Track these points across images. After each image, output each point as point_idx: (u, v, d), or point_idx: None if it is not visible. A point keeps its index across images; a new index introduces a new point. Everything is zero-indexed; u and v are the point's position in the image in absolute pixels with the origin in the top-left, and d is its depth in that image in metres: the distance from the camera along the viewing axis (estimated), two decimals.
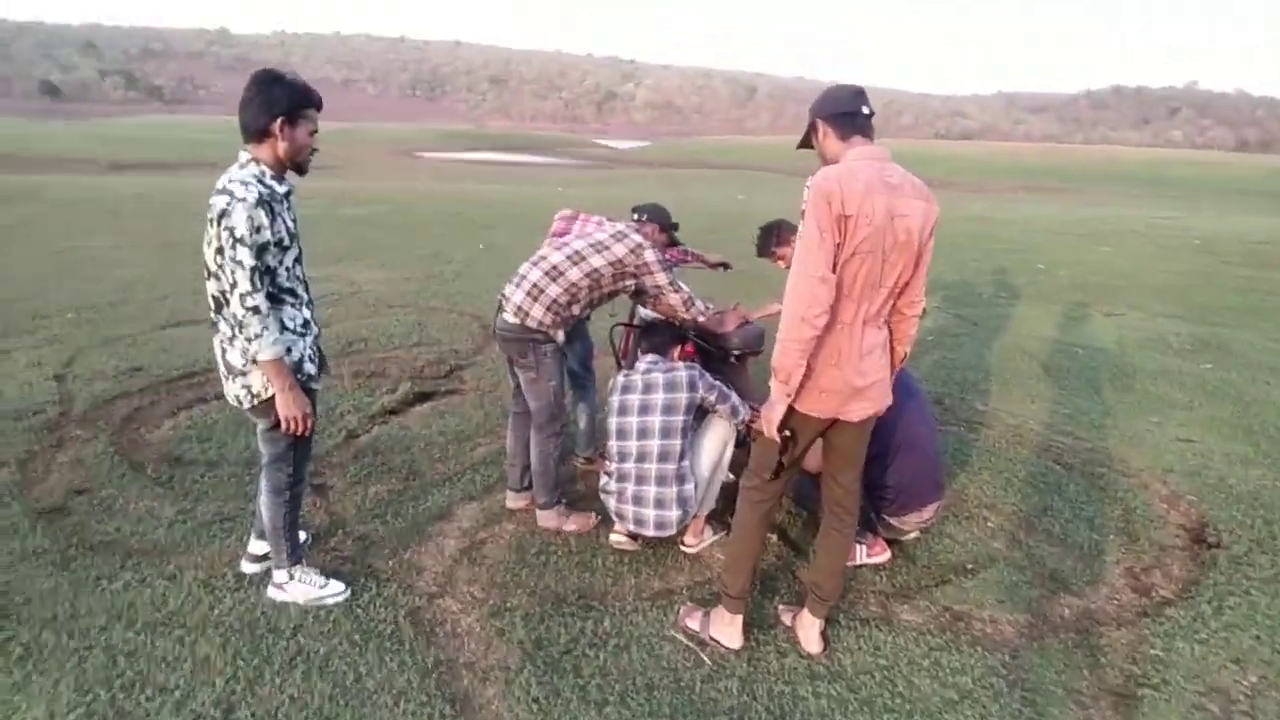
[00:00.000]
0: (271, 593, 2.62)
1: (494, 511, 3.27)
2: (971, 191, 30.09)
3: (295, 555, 2.63)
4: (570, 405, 3.58)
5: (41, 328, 5.79)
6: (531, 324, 2.90)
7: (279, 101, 2.25)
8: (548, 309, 2.90)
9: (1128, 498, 3.57)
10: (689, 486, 2.78)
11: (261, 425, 2.48)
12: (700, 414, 2.90)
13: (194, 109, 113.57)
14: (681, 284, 3.09)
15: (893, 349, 2.26)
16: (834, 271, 1.99)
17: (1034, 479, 3.72)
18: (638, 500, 2.78)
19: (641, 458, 2.77)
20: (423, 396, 4.57)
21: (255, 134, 2.26)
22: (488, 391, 4.63)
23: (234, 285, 2.18)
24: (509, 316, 2.93)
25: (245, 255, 2.16)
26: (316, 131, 2.38)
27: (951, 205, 16.59)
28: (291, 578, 2.61)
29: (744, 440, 3.04)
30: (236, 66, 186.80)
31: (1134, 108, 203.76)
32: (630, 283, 3.03)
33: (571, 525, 3.11)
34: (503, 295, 2.99)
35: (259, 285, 2.20)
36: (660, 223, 3.39)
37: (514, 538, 3.09)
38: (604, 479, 2.93)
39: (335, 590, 2.65)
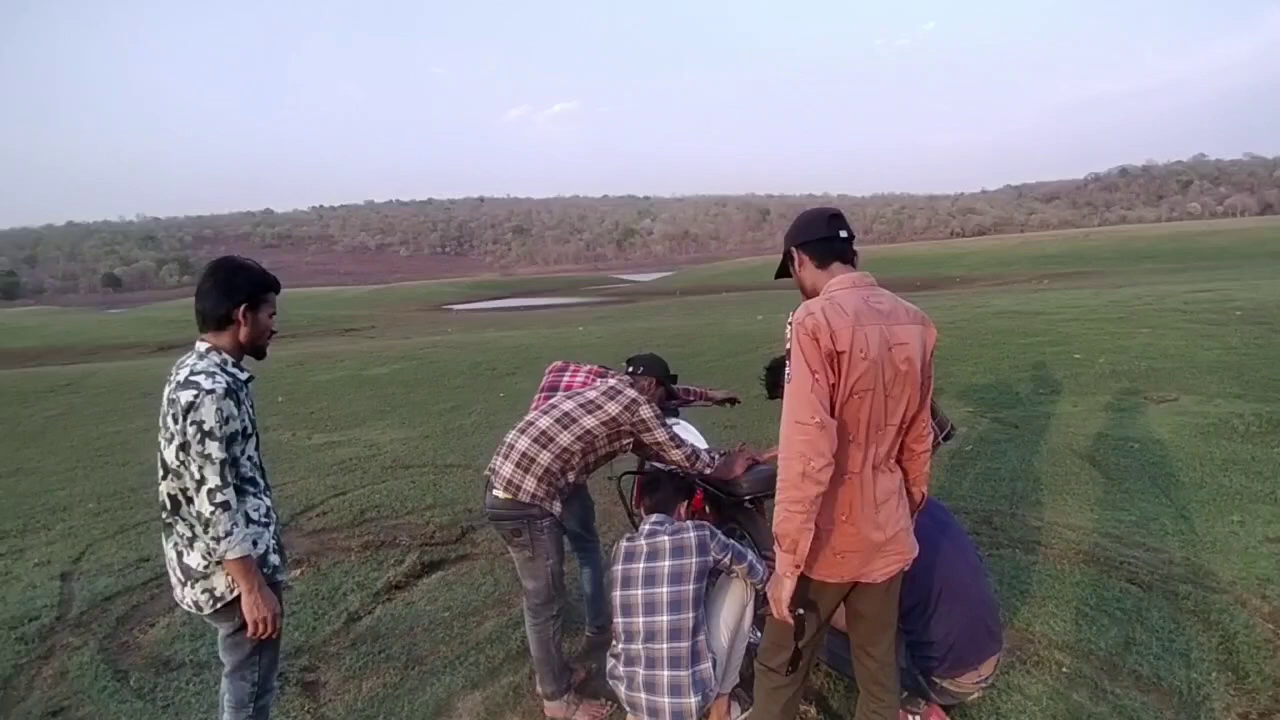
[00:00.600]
0: None
1: (496, 701, 2.92)
2: (995, 285, 29.99)
3: None
4: (575, 571, 3.31)
5: (60, 521, 5.74)
6: (524, 498, 2.68)
7: (240, 289, 2.22)
8: (540, 480, 2.69)
9: (1224, 620, 3.10)
10: (706, 666, 2.43)
11: (223, 631, 2.26)
12: (714, 573, 2.59)
13: None
14: (683, 435, 2.90)
15: (909, 492, 1.99)
16: (833, 415, 1.76)
17: (1108, 606, 3.27)
18: (650, 687, 2.42)
19: (650, 637, 2.44)
20: (432, 566, 4.30)
21: (216, 321, 2.20)
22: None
23: (201, 481, 2.06)
24: (498, 492, 2.71)
25: (215, 449, 2.06)
26: (275, 313, 2.34)
27: (976, 302, 16.42)
28: None
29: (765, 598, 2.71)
30: (279, 243, 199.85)
31: (1145, 185, 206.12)
32: (628, 441, 2.83)
33: (582, 717, 2.74)
34: (491, 470, 2.79)
35: (228, 480, 2.08)
36: (657, 375, 3.19)
37: None
38: (611, 661, 2.58)
39: None
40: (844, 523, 1.81)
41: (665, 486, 2.73)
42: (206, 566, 2.16)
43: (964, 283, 35.23)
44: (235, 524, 2.09)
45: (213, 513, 2.05)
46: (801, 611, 1.81)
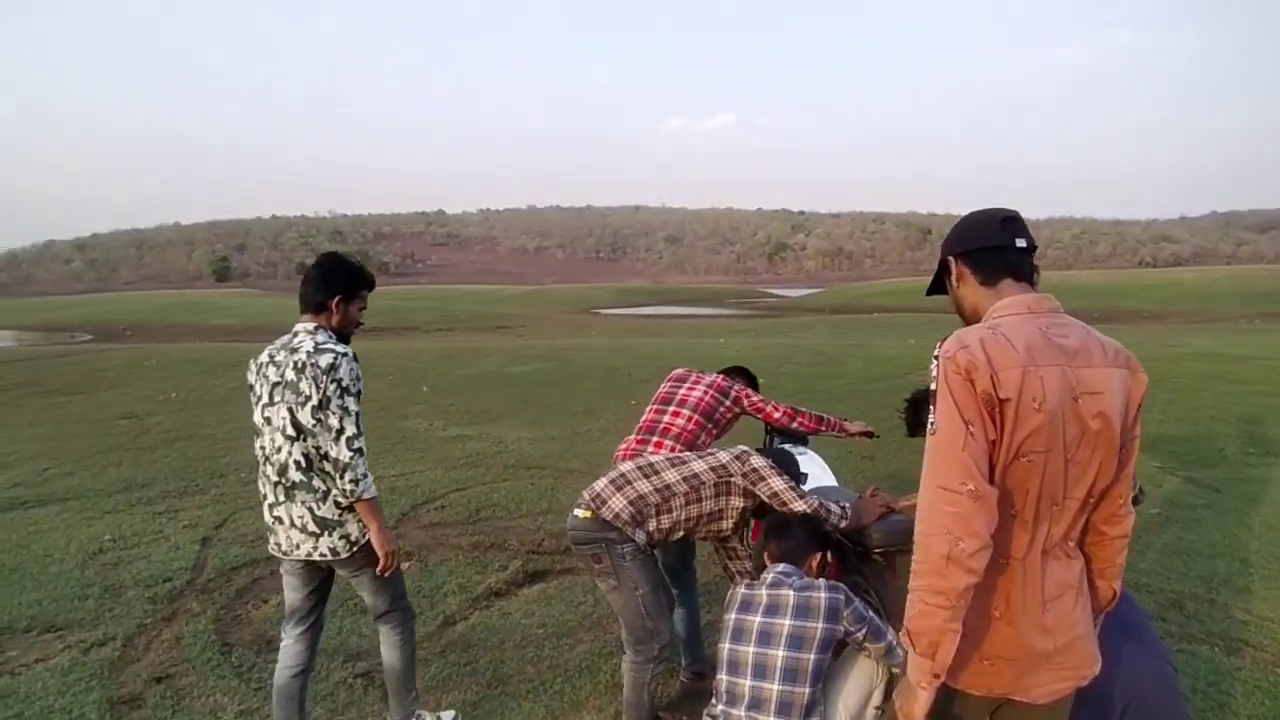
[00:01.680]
0: None
1: None
2: (1192, 323, 26.59)
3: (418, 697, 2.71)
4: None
5: (215, 486, 6.17)
6: (606, 515, 2.42)
7: (338, 282, 2.50)
8: (630, 502, 2.44)
9: None
10: None
11: (366, 575, 2.50)
12: (840, 643, 2.21)
13: (412, 280, 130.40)
14: (809, 467, 2.57)
15: (1094, 585, 1.52)
16: (991, 481, 1.33)
17: None
18: None
19: (755, 704, 2.09)
20: (535, 576, 4.17)
21: (314, 306, 2.48)
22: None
23: (341, 431, 2.32)
24: (579, 511, 2.48)
25: (351, 403, 2.34)
26: (365, 308, 2.60)
27: (1169, 341, 14.51)
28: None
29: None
30: (448, 242, 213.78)
31: None
32: (739, 502, 2.53)
33: None
34: (583, 493, 2.57)
35: (361, 430, 2.36)
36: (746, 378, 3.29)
37: None
38: None
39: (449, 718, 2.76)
40: (998, 620, 1.39)
41: (796, 532, 2.36)
42: (340, 515, 2.40)
43: (1153, 318, 31.55)
44: (367, 469, 2.37)
45: (351, 458, 2.32)
46: None
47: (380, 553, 2.42)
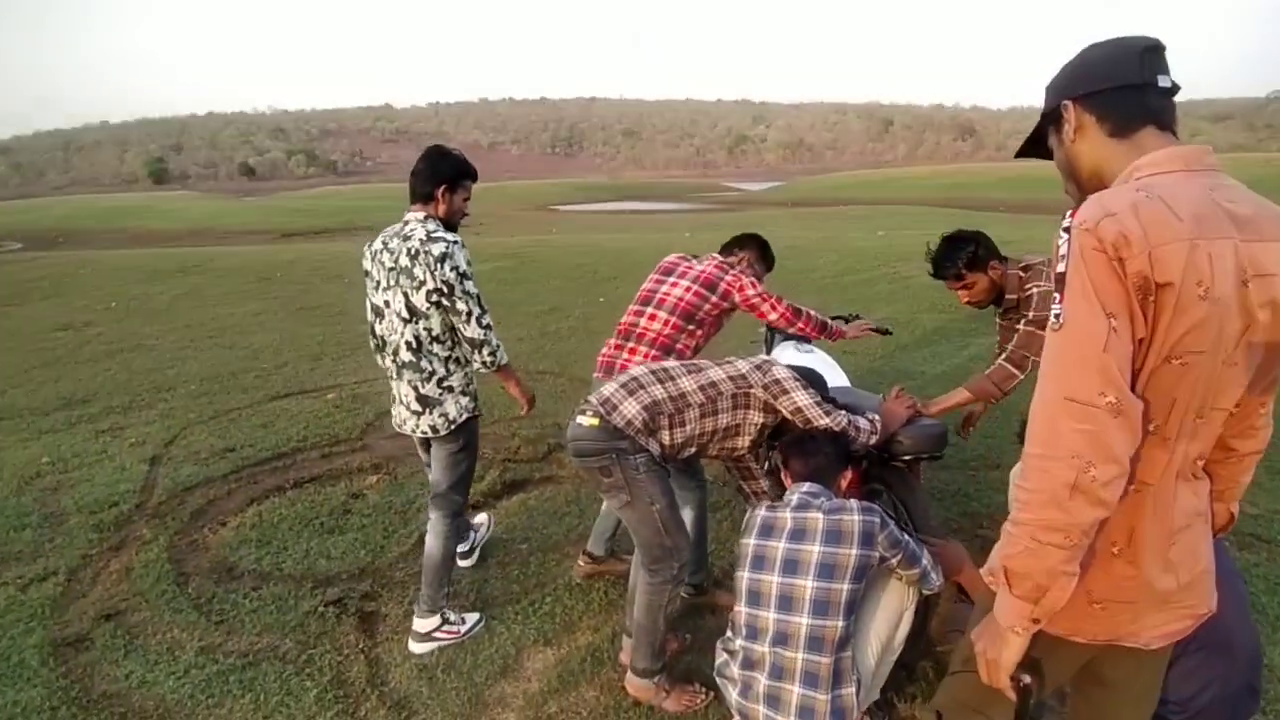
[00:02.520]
0: (415, 646, 2.62)
1: (571, 667, 2.49)
2: None
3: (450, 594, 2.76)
4: None
5: (162, 400, 5.76)
6: (618, 422, 2.15)
7: (443, 173, 2.61)
8: (645, 408, 2.16)
9: None
10: (849, 691, 1.85)
11: (450, 449, 2.70)
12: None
13: (361, 179, 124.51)
14: (820, 369, 2.32)
15: (1213, 512, 1.26)
16: (1135, 392, 1.06)
17: None
18: (772, 702, 1.88)
19: (781, 639, 1.88)
20: (513, 486, 3.94)
21: (422, 197, 2.62)
22: (586, 480, 3.93)
23: (469, 313, 2.52)
24: (584, 418, 2.19)
25: (471, 285, 2.52)
26: (469, 199, 2.72)
27: None
28: (444, 620, 2.66)
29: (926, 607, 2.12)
30: (397, 139, 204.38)
31: None
32: (758, 418, 2.26)
33: (671, 705, 2.27)
34: (586, 400, 2.30)
35: (486, 307, 2.56)
36: (754, 250, 2.99)
37: (593, 713, 2.30)
38: (723, 656, 2.05)
39: (474, 620, 2.75)
40: (1115, 557, 1.14)
41: (823, 448, 2.10)
42: (440, 394, 2.63)
43: None
44: (499, 341, 2.63)
45: (483, 334, 2.55)
46: (1028, 680, 1.17)
47: (523, 398, 2.88)
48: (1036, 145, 1.31)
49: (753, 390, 2.23)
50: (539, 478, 4.04)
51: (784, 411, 2.24)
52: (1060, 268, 1.07)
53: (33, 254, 21.93)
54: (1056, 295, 1.06)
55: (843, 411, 2.24)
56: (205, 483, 4.09)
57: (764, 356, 2.37)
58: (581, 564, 2.98)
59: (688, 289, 2.76)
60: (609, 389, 2.23)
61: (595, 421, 2.16)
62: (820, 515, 1.93)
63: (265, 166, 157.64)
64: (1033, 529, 1.07)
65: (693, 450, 2.27)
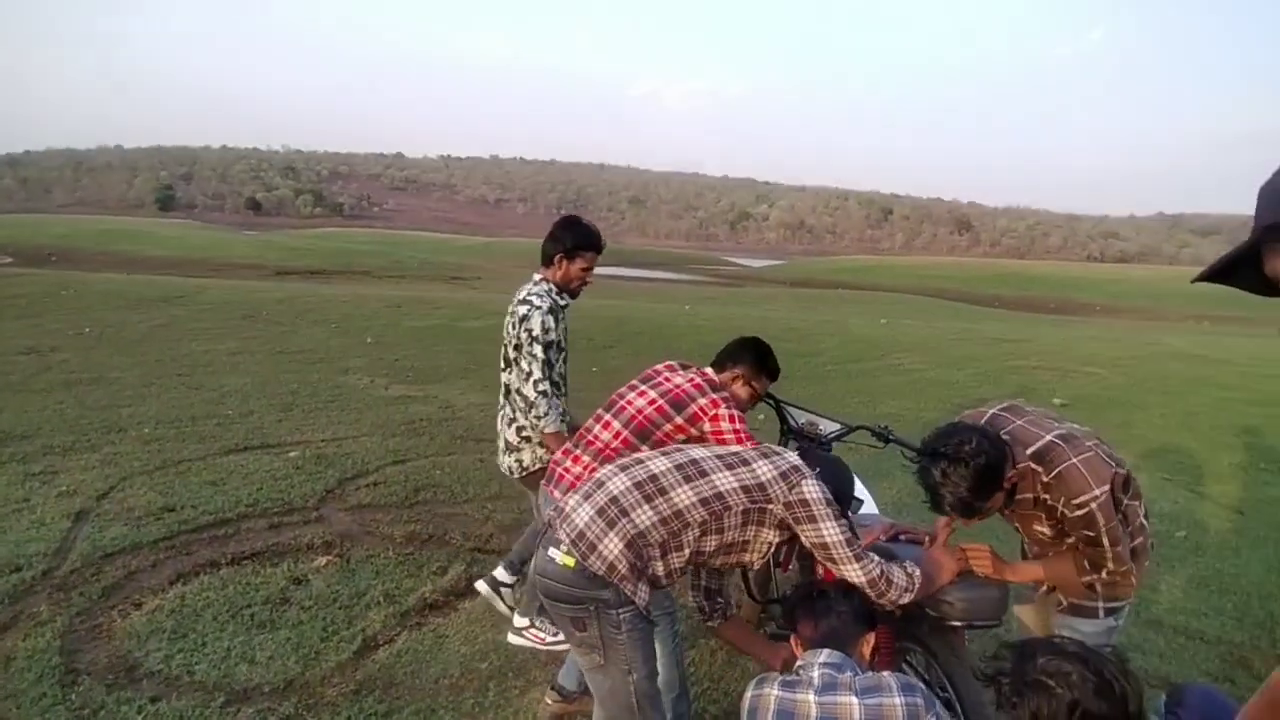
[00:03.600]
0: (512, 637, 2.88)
1: None
2: (1146, 320, 26.89)
3: None
4: None
5: (109, 443, 5.26)
6: (597, 567, 1.73)
7: (563, 241, 2.84)
8: (628, 545, 1.74)
9: None
10: None
11: (530, 489, 2.89)
12: None
13: (367, 223, 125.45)
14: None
15: None
16: None
17: None
18: None
19: None
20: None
21: (545, 260, 2.88)
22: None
23: (529, 374, 2.74)
24: (558, 553, 1.77)
25: (538, 350, 2.73)
26: (589, 269, 2.89)
27: (1144, 339, 14.30)
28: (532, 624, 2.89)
29: None
30: (406, 187, 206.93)
31: None
32: (773, 536, 1.86)
33: None
34: (554, 510, 1.88)
35: (546, 374, 2.74)
36: (748, 363, 2.47)
37: None
38: None
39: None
40: None
41: (835, 606, 1.69)
42: (519, 441, 2.92)
43: (1105, 312, 31.95)
44: (551, 407, 2.75)
45: (535, 397, 2.73)
46: None
47: None
48: (1231, 271, 0.94)
49: (771, 506, 1.82)
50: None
51: (804, 540, 1.84)
52: None
53: (20, 270, 21.50)
54: None
55: (875, 558, 1.83)
56: (131, 549, 3.59)
57: (790, 457, 1.91)
58: (549, 701, 2.48)
59: (651, 402, 2.32)
60: (583, 516, 1.80)
61: (571, 562, 1.75)
62: (854, 701, 1.50)
63: (272, 203, 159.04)
64: None
65: (688, 571, 1.88)
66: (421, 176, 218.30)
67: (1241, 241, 0.98)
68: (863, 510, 2.39)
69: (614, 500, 1.79)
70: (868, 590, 1.79)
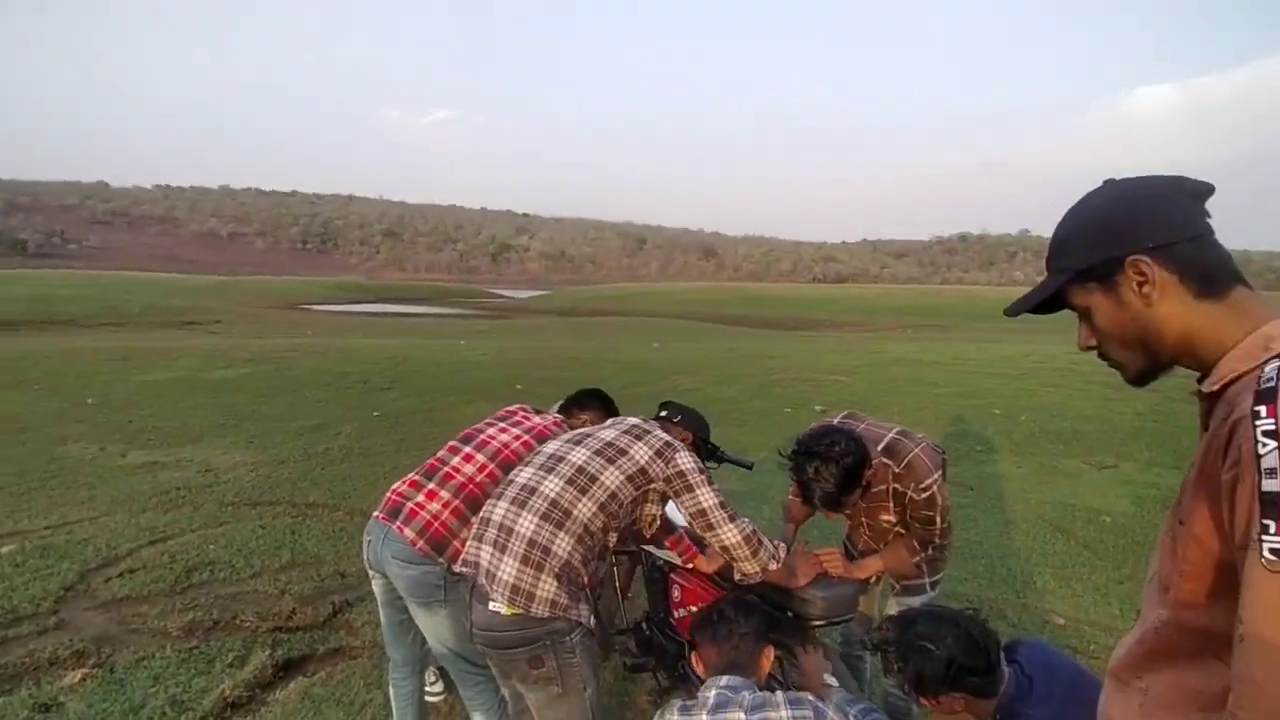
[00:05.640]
0: None
1: None
2: (864, 331, 31.04)
3: None
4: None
5: None
6: (541, 610, 1.74)
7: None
8: (560, 579, 1.76)
9: None
10: None
11: None
12: None
13: (62, 263, 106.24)
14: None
15: None
16: None
17: None
18: None
19: None
20: (289, 668, 3.06)
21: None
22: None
23: None
24: (499, 606, 1.75)
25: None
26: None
27: (870, 348, 16.45)
28: None
29: None
30: (114, 220, 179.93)
31: (979, 252, 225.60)
32: (655, 509, 2.07)
33: None
34: (471, 564, 1.84)
35: None
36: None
37: None
38: None
39: None
40: None
41: (736, 630, 1.73)
42: None
43: (832, 326, 36.42)
44: None
45: None
46: None
47: None
48: (1046, 305, 1.11)
49: (652, 485, 1.92)
50: (323, 651, 3.19)
51: (683, 511, 1.96)
52: (1272, 485, 0.80)
53: None
54: (1269, 523, 0.81)
55: (749, 521, 1.97)
56: None
57: (661, 434, 1.96)
58: None
59: (517, 437, 2.31)
60: (509, 571, 1.76)
61: (517, 611, 1.74)
62: (742, 717, 1.57)
63: None
64: None
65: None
66: (133, 209, 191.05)
67: (1043, 280, 1.13)
68: None
69: (532, 543, 1.78)
70: (743, 547, 1.91)
